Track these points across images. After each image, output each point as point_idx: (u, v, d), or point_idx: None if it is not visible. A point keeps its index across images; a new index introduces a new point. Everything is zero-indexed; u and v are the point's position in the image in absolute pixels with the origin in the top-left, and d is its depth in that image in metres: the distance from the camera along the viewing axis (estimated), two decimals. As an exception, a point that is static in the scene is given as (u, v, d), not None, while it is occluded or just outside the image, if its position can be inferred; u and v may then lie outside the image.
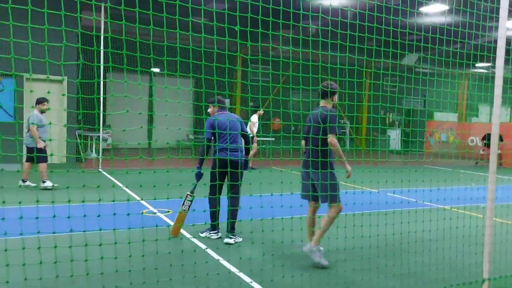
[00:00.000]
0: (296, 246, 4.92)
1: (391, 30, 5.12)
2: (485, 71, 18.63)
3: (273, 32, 4.43)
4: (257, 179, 4.95)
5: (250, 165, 13.01)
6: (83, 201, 3.27)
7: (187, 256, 4.32)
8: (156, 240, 3.73)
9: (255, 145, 13.27)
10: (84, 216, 3.28)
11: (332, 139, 4.69)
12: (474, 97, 21.20)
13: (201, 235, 5.64)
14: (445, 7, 14.60)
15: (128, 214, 3.49)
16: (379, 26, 4.98)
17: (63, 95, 13.04)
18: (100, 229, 3.43)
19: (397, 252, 5.23)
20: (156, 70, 18.08)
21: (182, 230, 5.65)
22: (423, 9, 14.83)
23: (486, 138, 17.52)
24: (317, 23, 12.40)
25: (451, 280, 4.44)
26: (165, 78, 4.26)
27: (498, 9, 4.96)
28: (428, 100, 23.14)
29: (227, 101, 21.13)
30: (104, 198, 3.51)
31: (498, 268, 4.67)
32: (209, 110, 6.07)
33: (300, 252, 5.03)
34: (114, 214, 3.42)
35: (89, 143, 15.78)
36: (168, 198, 3.74)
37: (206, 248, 4.61)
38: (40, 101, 9.07)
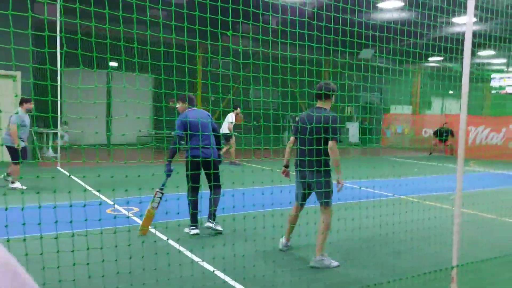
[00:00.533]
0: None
1: (346, 28, 5.25)
2: (437, 65, 19.47)
3: (222, 31, 4.39)
4: (239, 175, 4.97)
5: (235, 161, 13.37)
6: (70, 204, 3.18)
7: (172, 257, 4.29)
8: (143, 242, 3.69)
9: (232, 141, 13.43)
10: (54, 221, 3.19)
11: (333, 145, 4.62)
12: (428, 90, 22.11)
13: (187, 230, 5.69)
14: (400, 3, 15.12)
15: (115, 218, 3.42)
16: (336, 26, 5.09)
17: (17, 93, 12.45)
18: (87, 234, 3.35)
19: (371, 244, 5.42)
20: (114, 64, 17.60)
21: (158, 230, 5.59)
22: (380, 4, 15.28)
23: (438, 134, 18.33)
24: (276, 20, 12.50)
25: (423, 268, 4.68)
26: (91, 71, 4.13)
27: (442, 8, 5.17)
28: (384, 93, 23.90)
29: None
30: (63, 198, 3.40)
31: (465, 255, 4.96)
32: (177, 106, 6.03)
33: (281, 247, 5.13)
34: (100, 219, 3.35)
35: (45, 142, 15.17)
36: (127, 195, 3.71)
37: (191, 250, 4.61)
38: (27, 100, 8.69)
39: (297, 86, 4.68)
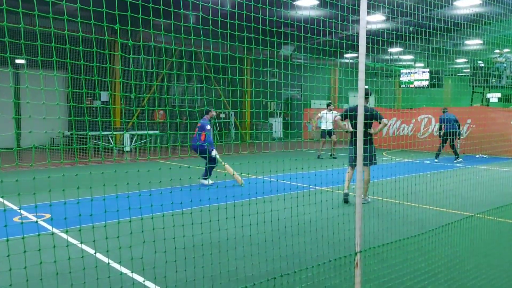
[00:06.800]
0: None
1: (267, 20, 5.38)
2: (352, 61, 20.45)
3: (154, 19, 4.34)
4: (145, 176, 4.86)
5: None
6: None
7: (75, 263, 4.13)
8: (55, 248, 3.50)
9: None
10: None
11: (383, 122, 7.76)
12: (344, 85, 23.12)
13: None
14: (316, 1, 15.68)
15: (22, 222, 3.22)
16: (256, 25, 5.21)
17: None
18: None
19: (282, 236, 5.55)
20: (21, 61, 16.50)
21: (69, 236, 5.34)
22: (297, 2, 15.75)
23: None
24: (197, 11, 12.41)
25: (329, 256, 4.93)
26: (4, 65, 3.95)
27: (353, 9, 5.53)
28: (304, 89, 24.65)
29: (105, 93, 20.11)
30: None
31: (367, 241, 5.29)
32: None
33: (192, 245, 5.08)
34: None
35: None
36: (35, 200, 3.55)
37: (95, 253, 4.45)
38: None
39: (221, 83, 4.70)
